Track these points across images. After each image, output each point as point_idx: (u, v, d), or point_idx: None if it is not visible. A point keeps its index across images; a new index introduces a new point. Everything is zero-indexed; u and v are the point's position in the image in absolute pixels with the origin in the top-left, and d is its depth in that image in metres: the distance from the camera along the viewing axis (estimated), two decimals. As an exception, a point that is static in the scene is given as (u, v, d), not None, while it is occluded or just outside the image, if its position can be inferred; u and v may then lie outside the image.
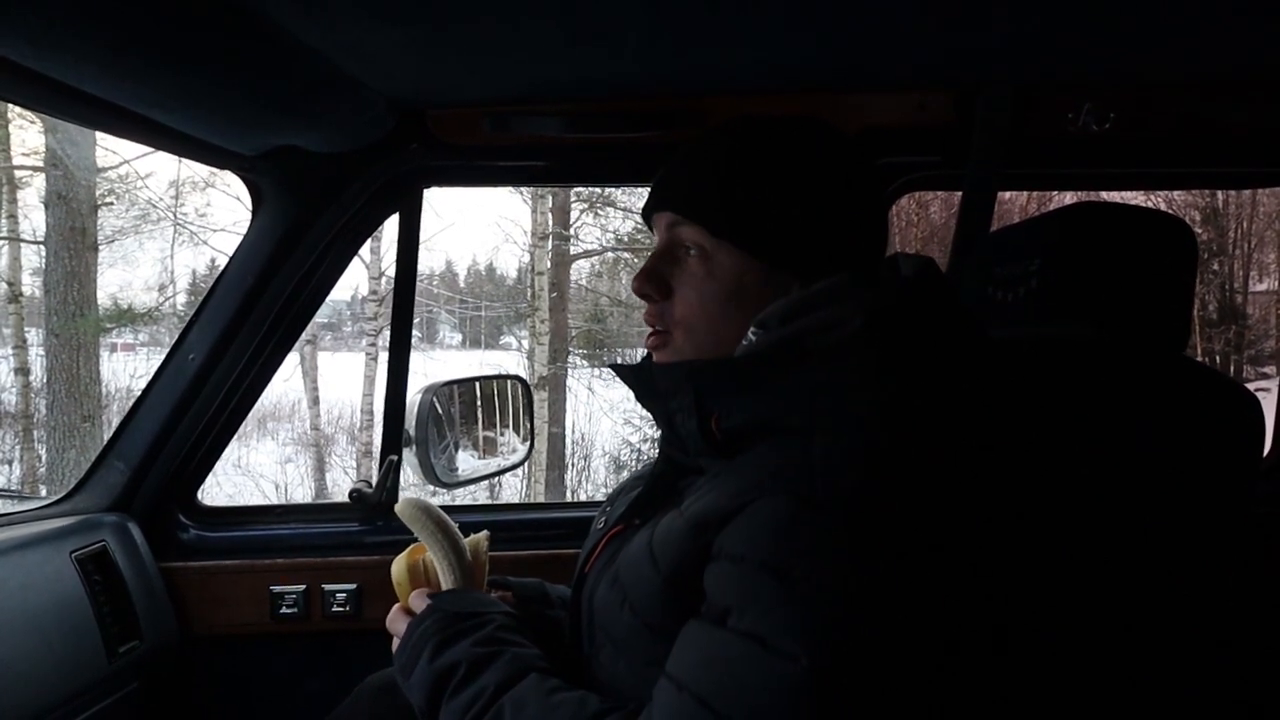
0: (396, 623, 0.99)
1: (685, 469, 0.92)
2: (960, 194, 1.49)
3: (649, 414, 0.97)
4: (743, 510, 0.74)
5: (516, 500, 8.54)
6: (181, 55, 1.01)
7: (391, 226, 1.57)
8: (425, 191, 1.57)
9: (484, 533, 1.07)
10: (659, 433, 0.98)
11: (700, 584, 0.76)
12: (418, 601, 0.98)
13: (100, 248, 6.92)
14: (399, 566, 1.03)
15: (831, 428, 0.75)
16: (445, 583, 1.01)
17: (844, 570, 0.68)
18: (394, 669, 0.95)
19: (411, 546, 1.05)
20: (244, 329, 1.49)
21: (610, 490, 1.17)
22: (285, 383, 9.81)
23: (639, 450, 9.06)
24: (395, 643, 0.98)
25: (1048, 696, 0.86)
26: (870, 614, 0.68)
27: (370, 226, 1.56)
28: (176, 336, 1.54)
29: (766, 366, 0.80)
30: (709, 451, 0.85)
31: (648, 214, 0.95)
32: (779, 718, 0.65)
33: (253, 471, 9.59)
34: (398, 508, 1.03)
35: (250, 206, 1.49)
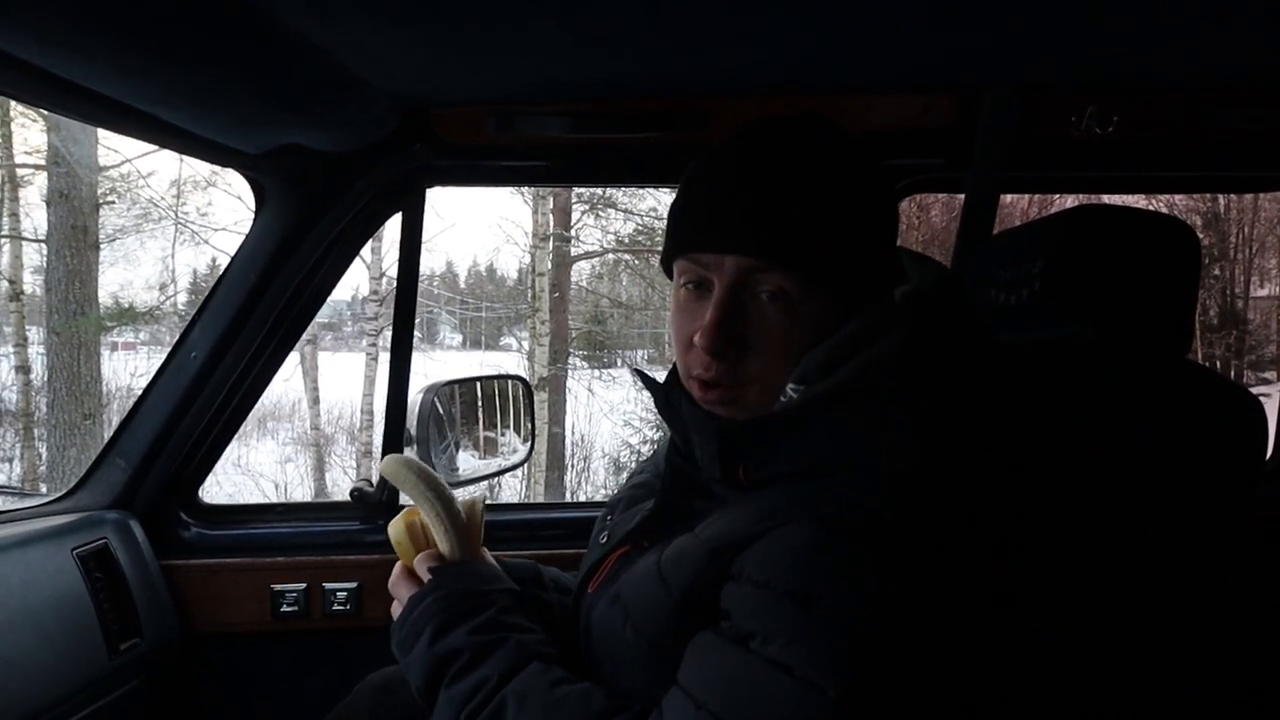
0: (398, 587, 0.95)
1: (695, 486, 0.90)
2: (963, 197, 1.49)
3: (664, 422, 0.95)
4: (765, 535, 0.73)
5: (516, 500, 8.55)
6: (187, 53, 1.01)
7: (392, 227, 1.57)
8: (427, 191, 1.57)
9: (480, 495, 1.04)
10: (661, 434, 0.97)
11: (714, 604, 0.75)
12: (421, 567, 0.95)
13: (101, 246, 6.92)
14: (396, 527, 1.00)
15: (864, 463, 0.74)
16: (440, 544, 0.97)
17: (869, 599, 0.67)
18: (392, 642, 0.92)
19: (405, 511, 1.02)
20: (246, 327, 1.49)
21: (609, 494, 1.16)
22: (285, 382, 9.81)
23: (638, 452, 9.05)
24: (395, 607, 0.95)
25: (1049, 697, 0.86)
26: (895, 644, 0.67)
27: (373, 226, 1.56)
28: (177, 335, 1.54)
29: (805, 421, 0.77)
30: (730, 489, 0.83)
31: (689, 252, 0.82)
32: None
33: (252, 471, 9.59)
34: (381, 465, 0.99)
35: (253, 205, 1.50)
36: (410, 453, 1.58)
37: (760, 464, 0.80)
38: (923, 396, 0.76)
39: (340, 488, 9.61)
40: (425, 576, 0.94)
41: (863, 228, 0.80)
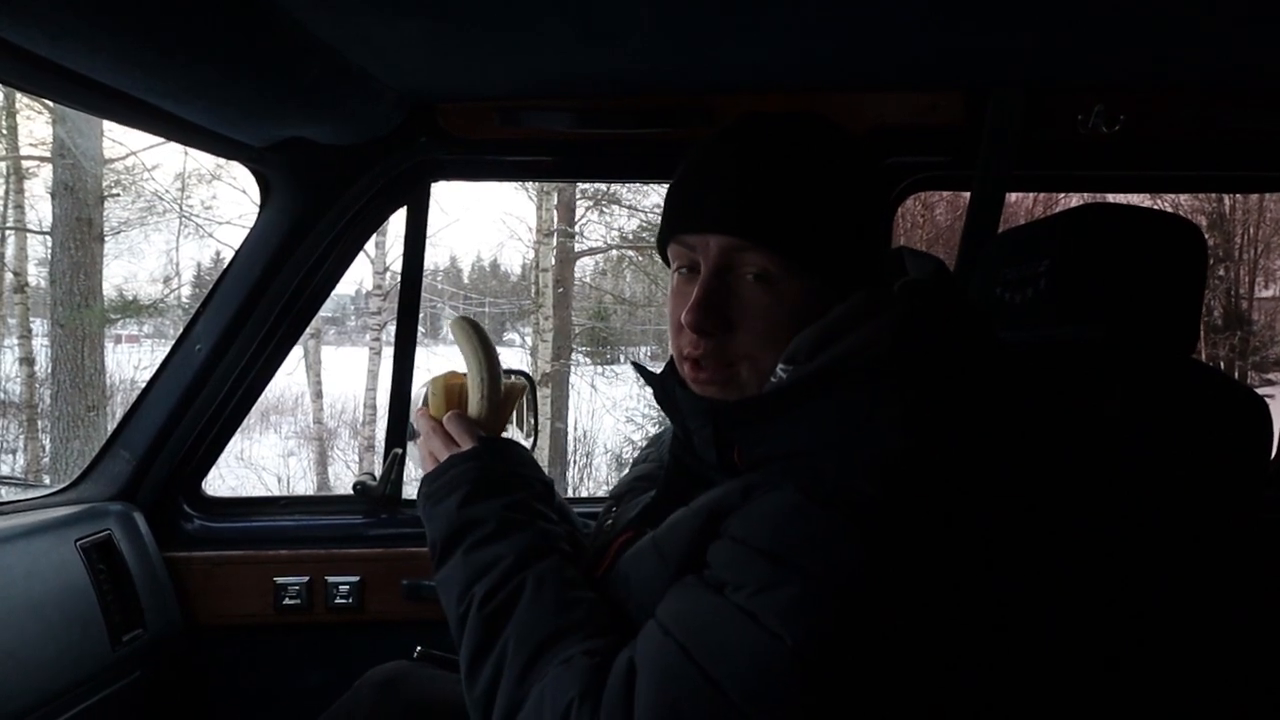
0: (432, 440, 0.97)
1: (697, 477, 0.91)
2: (968, 195, 1.48)
3: (665, 415, 0.96)
4: (757, 496, 0.75)
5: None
6: (194, 46, 1.02)
7: (396, 221, 1.57)
8: (432, 186, 1.57)
9: (522, 382, 1.06)
10: (662, 425, 0.97)
11: (703, 562, 0.76)
12: (453, 424, 0.97)
13: (106, 239, 6.93)
14: (437, 381, 1.01)
15: (851, 445, 0.75)
16: (472, 407, 0.99)
17: (839, 565, 0.68)
18: (420, 491, 0.95)
19: (450, 371, 1.04)
20: (251, 320, 1.50)
21: (613, 485, 1.16)
22: (289, 376, 9.81)
23: (640, 448, 9.05)
24: (426, 459, 0.98)
25: (1050, 698, 0.86)
26: (857, 609, 0.68)
27: (377, 220, 1.57)
28: (181, 329, 1.54)
29: (794, 401, 0.78)
30: (727, 474, 0.84)
31: (676, 234, 0.85)
32: (755, 685, 0.67)
33: (255, 464, 9.60)
34: (452, 322, 1.01)
35: (258, 198, 1.50)
36: (413, 447, 1.58)
37: (753, 445, 0.81)
38: (915, 382, 0.77)
39: (343, 481, 9.61)
40: (457, 435, 0.96)
41: (847, 213, 0.81)
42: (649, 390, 0.97)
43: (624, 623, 0.84)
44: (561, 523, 1.00)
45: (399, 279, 1.64)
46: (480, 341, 0.99)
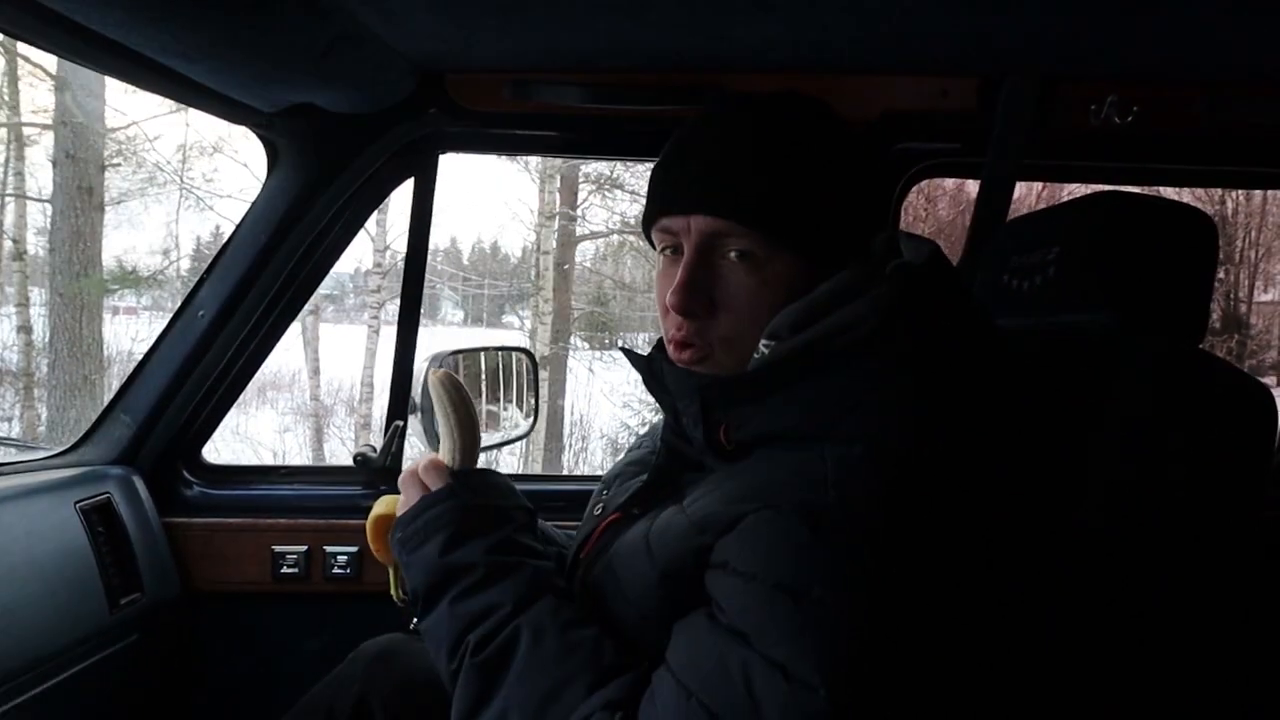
0: (407, 484, 0.92)
1: (688, 462, 0.91)
2: (972, 189, 1.48)
3: (655, 401, 0.95)
4: (749, 516, 0.72)
5: (514, 471, 8.53)
6: (207, 5, 1.01)
7: (397, 200, 1.57)
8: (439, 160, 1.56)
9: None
10: (660, 416, 0.97)
11: (696, 581, 0.75)
12: (430, 472, 0.91)
13: (106, 209, 6.89)
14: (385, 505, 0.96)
15: (845, 436, 0.73)
16: (443, 457, 0.94)
17: (861, 595, 0.67)
18: (394, 535, 0.90)
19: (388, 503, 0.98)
20: (255, 288, 1.49)
21: (606, 471, 1.16)
22: (286, 352, 9.79)
23: (637, 434, 9.06)
24: (402, 503, 0.91)
25: (1050, 698, 0.86)
26: (887, 641, 0.67)
27: (385, 190, 1.56)
28: (179, 301, 1.54)
29: (779, 378, 0.78)
30: (716, 457, 0.84)
31: (659, 217, 0.84)
32: None
33: (251, 439, 9.60)
34: (431, 373, 0.96)
35: (259, 172, 1.49)
36: (414, 420, 1.58)
37: (740, 424, 0.80)
38: (902, 366, 0.76)
39: (338, 458, 9.62)
40: (430, 480, 0.91)
41: (830, 191, 0.81)
42: None
43: (609, 616, 0.83)
44: (549, 545, 0.98)
45: (399, 258, 1.63)
46: (455, 394, 0.94)
